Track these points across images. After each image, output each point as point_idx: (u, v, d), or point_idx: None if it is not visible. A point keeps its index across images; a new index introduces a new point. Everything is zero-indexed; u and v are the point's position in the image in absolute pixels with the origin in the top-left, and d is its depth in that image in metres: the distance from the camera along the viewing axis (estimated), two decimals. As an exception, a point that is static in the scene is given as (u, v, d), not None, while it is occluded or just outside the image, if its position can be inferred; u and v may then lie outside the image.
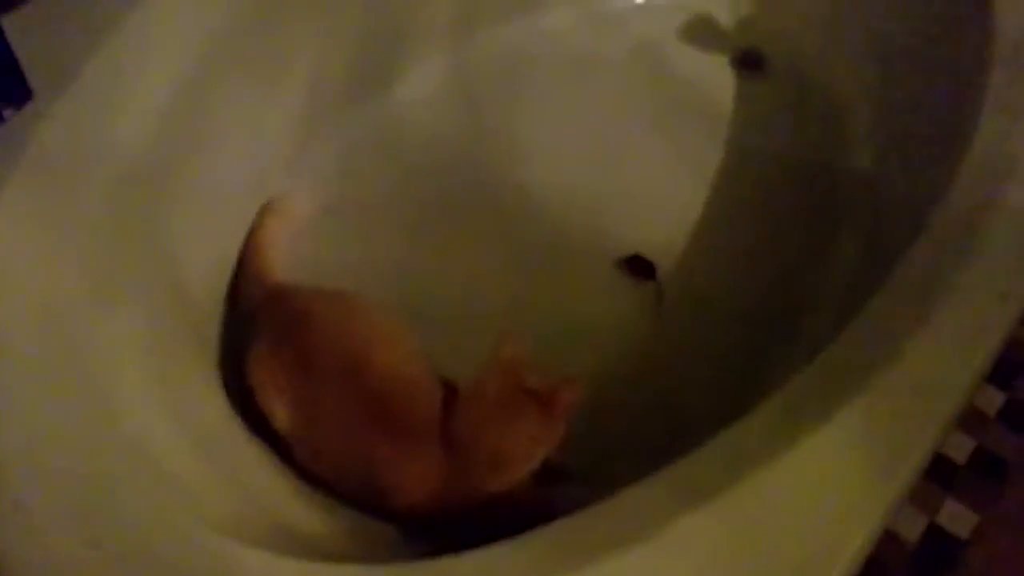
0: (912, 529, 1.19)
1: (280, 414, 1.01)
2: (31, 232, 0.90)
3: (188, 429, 0.91)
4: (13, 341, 0.84)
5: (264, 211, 1.26)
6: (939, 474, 1.23)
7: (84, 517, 0.75)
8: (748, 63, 1.63)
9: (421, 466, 0.97)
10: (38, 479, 0.76)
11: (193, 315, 1.09)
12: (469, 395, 0.98)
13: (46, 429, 0.80)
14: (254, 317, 1.10)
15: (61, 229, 0.91)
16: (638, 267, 1.33)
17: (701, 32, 1.66)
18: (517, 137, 1.48)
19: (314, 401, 1.01)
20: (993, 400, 1.34)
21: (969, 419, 1.27)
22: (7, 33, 0.92)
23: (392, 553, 0.96)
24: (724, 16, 1.68)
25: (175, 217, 1.09)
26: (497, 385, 0.96)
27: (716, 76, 1.61)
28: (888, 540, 1.17)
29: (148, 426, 0.86)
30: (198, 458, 0.88)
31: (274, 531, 0.88)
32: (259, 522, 0.88)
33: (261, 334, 1.07)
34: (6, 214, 0.89)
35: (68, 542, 0.73)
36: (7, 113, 0.94)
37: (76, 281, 0.90)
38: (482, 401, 0.96)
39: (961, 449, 1.26)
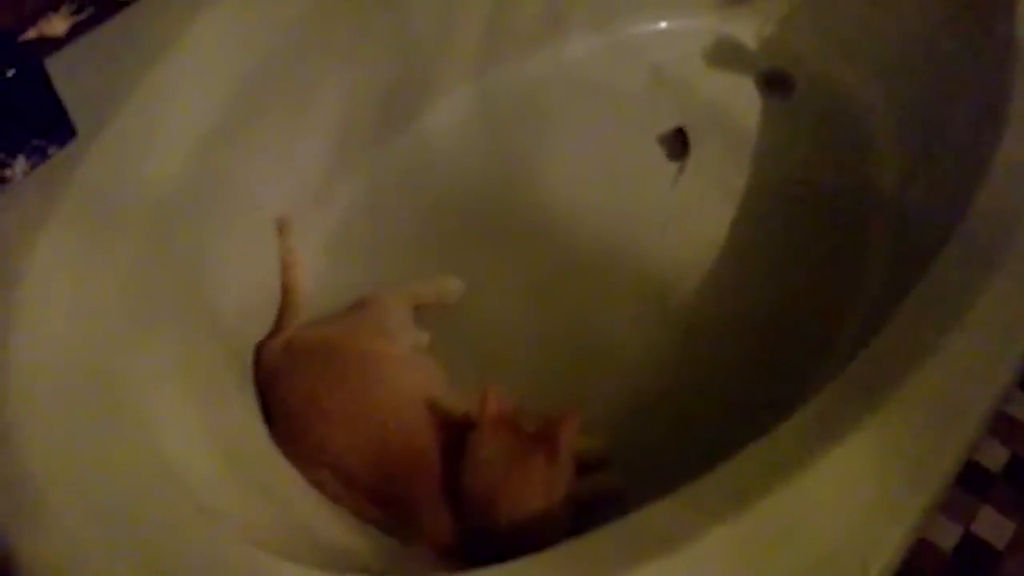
0: (948, 538, 1.17)
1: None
2: (73, 263, 0.93)
3: (224, 448, 0.93)
4: (56, 368, 0.86)
5: (287, 268, 1.26)
6: (974, 483, 1.22)
7: (122, 533, 0.77)
8: (773, 84, 1.64)
9: (428, 521, 0.99)
10: (78, 496, 0.79)
11: (229, 339, 1.12)
12: (471, 460, 0.97)
13: (87, 450, 0.82)
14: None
15: (101, 260, 0.95)
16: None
17: (725, 54, 1.67)
18: (542, 164, 1.50)
19: (324, 448, 1.03)
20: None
21: (1003, 428, 1.25)
22: (51, 74, 0.96)
23: (425, 567, 0.98)
24: (748, 38, 1.69)
25: (209, 248, 1.12)
26: (495, 444, 0.96)
27: (741, 98, 1.62)
28: (924, 549, 1.16)
29: (185, 445, 0.88)
30: (234, 476, 0.90)
31: (310, 546, 0.90)
32: (295, 538, 0.89)
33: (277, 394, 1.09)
34: (49, 247, 0.93)
35: (106, 557, 0.75)
36: (51, 151, 0.98)
37: (116, 309, 0.93)
38: (486, 463, 0.96)
39: (996, 458, 1.24)
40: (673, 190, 1.33)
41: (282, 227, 1.27)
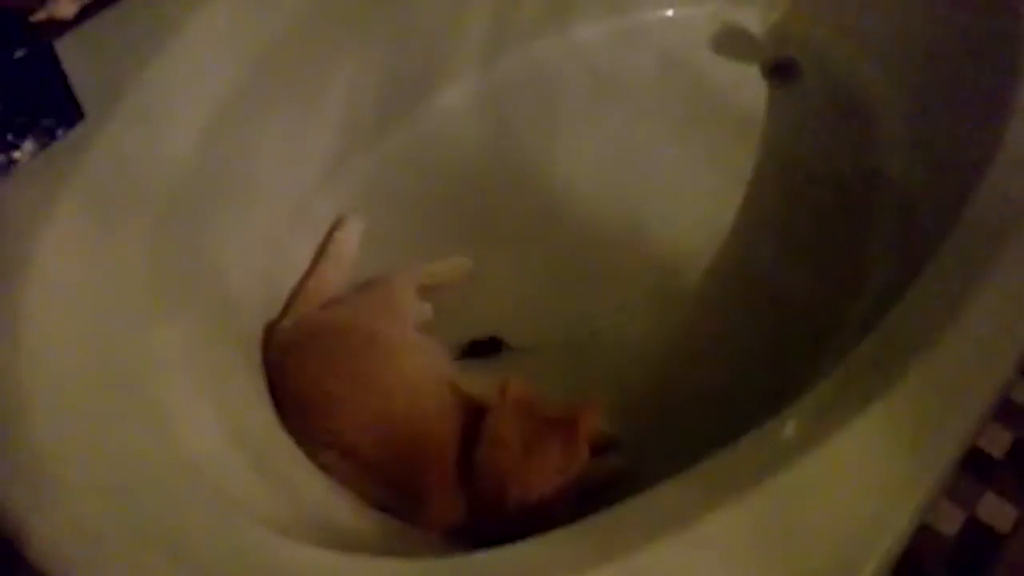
0: (951, 523, 1.18)
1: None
2: (83, 247, 0.93)
3: (232, 430, 0.93)
4: (66, 351, 0.87)
5: (322, 258, 1.28)
6: (977, 468, 1.22)
7: (132, 513, 0.77)
8: (780, 71, 1.64)
9: (436, 502, 0.99)
10: (89, 477, 0.79)
11: (238, 324, 1.12)
12: (488, 440, 0.97)
13: (97, 431, 0.82)
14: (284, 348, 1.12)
15: (110, 242, 0.95)
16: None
17: (732, 42, 1.67)
18: (549, 148, 1.51)
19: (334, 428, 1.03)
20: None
21: (1007, 413, 1.26)
22: (59, 56, 0.96)
23: (433, 549, 0.98)
24: (755, 26, 1.69)
25: (219, 231, 1.12)
26: (514, 428, 0.96)
27: (748, 85, 1.62)
28: (927, 534, 1.16)
29: (194, 426, 0.88)
30: (242, 457, 0.91)
31: (316, 528, 0.90)
32: (301, 519, 0.90)
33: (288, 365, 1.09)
34: (58, 229, 0.93)
35: (117, 537, 0.76)
36: (59, 133, 0.98)
37: (125, 292, 0.93)
38: (504, 447, 0.96)
39: (999, 443, 1.24)
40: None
41: (342, 221, 1.31)
